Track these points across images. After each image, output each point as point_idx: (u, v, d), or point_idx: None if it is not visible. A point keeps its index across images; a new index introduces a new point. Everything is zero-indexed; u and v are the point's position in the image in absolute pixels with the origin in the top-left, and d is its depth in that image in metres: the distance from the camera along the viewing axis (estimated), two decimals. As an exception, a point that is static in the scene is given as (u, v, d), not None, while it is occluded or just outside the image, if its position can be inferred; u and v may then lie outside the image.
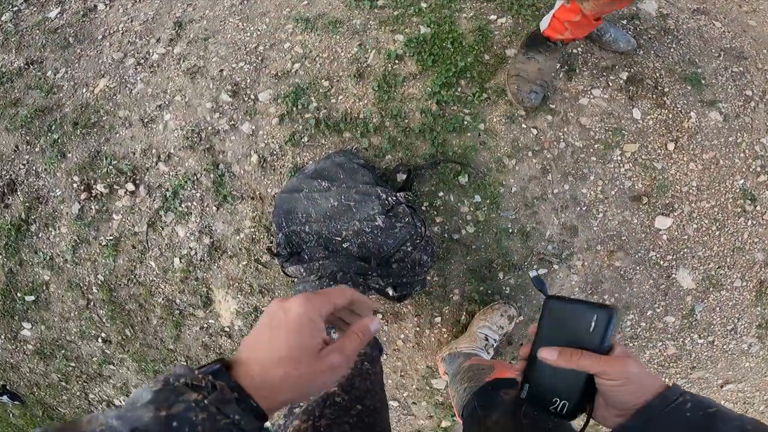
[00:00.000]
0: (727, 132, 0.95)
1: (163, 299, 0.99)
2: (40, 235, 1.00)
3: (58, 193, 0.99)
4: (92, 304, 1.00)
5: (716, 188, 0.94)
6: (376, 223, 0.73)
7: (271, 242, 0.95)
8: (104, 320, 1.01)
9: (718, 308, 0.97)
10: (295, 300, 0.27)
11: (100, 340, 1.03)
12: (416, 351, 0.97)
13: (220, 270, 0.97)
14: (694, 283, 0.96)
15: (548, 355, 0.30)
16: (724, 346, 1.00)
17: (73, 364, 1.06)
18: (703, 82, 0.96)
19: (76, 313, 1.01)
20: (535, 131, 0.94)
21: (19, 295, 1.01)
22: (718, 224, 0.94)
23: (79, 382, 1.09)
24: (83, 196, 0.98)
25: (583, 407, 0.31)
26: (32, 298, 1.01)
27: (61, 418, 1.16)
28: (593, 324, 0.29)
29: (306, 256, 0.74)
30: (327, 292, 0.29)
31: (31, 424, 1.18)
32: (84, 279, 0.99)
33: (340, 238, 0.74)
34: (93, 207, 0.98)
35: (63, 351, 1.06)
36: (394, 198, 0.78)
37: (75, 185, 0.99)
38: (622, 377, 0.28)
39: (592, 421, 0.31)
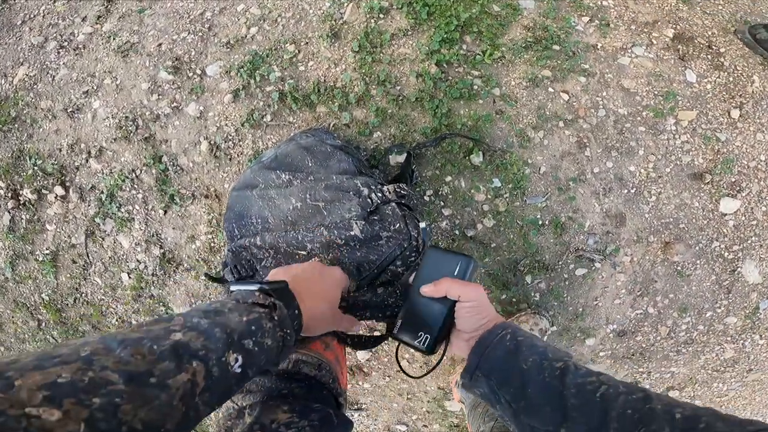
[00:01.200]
0: None
1: (117, 320, 0.79)
2: (-25, 258, 0.79)
3: (-14, 204, 0.76)
4: (43, 324, 0.82)
5: None
6: (352, 233, 0.42)
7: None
8: (59, 342, 0.85)
9: (786, 304, 0.69)
10: (332, 268, 0.37)
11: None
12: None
13: (178, 286, 0.72)
14: (761, 276, 0.67)
15: (427, 289, 0.35)
16: (787, 347, 0.73)
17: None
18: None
19: (30, 334, 0.84)
20: (566, 96, 0.63)
21: (-32, 315, 0.83)
22: (790, 203, 0.65)
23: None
24: (11, 204, 0.76)
25: (441, 340, 0.35)
26: None
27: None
28: (458, 267, 0.35)
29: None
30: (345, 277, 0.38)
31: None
32: (29, 298, 0.80)
33: (304, 253, 0.42)
34: (23, 216, 0.76)
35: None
36: (380, 194, 0.46)
37: (1, 191, 0.76)
38: (476, 298, 0.34)
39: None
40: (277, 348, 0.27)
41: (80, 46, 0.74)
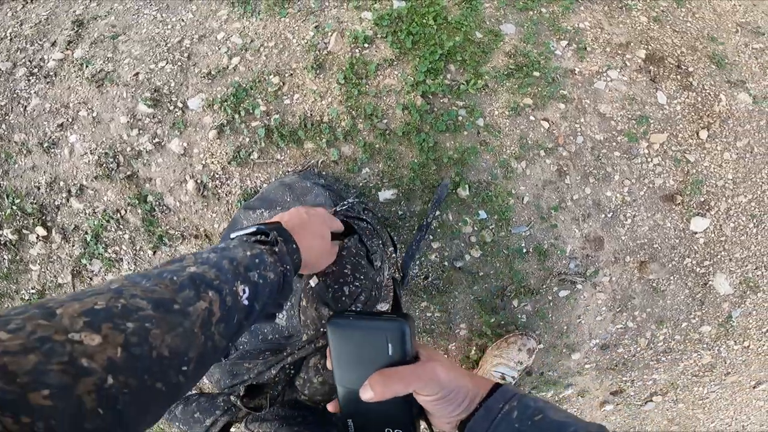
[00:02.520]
0: (758, 115, 0.77)
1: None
2: (-42, 289, 0.83)
3: (-36, 242, 0.80)
4: None
5: (752, 179, 0.76)
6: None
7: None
8: None
9: (754, 312, 0.82)
10: (316, 209, 0.40)
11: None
12: None
13: None
14: (732, 288, 0.79)
15: (367, 396, 0.26)
16: (758, 349, 0.86)
17: None
18: (726, 60, 0.77)
19: None
20: (546, 124, 0.72)
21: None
22: (755, 220, 0.77)
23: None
24: None
25: (417, 425, 0.28)
26: None
27: None
28: (389, 344, 0.26)
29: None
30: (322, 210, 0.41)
31: None
32: None
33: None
34: (5, 257, 0.80)
35: None
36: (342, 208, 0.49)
37: None
38: (437, 388, 0.26)
39: None
40: (278, 283, 0.29)
41: (51, 73, 0.78)
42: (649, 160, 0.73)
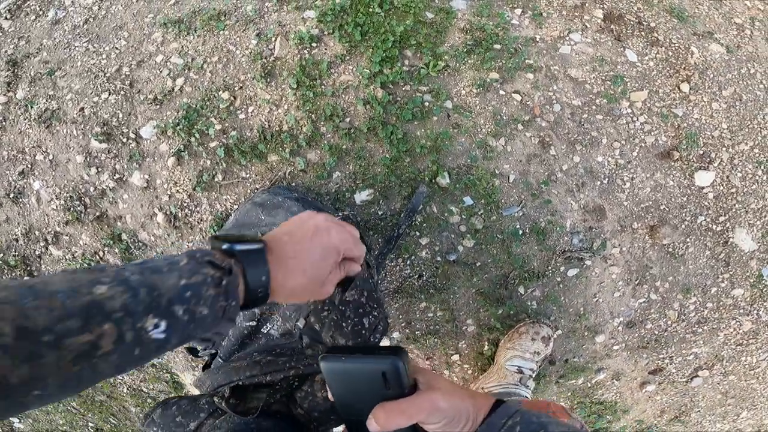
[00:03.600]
0: (736, 64, 0.79)
1: (128, 389, 0.89)
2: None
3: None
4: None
5: (749, 126, 0.77)
6: None
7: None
8: (83, 411, 0.94)
9: (787, 263, 0.80)
10: (336, 226, 0.34)
11: (90, 428, 0.97)
12: None
13: (175, 354, 0.82)
14: (755, 242, 0.78)
15: (373, 429, 0.29)
16: (802, 305, 0.83)
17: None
18: (686, 13, 0.80)
19: (53, 407, 0.95)
20: (518, 97, 0.73)
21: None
22: (763, 167, 0.77)
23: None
24: None
25: None
26: None
27: None
28: (385, 381, 0.28)
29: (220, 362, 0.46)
30: (350, 229, 0.36)
31: None
32: None
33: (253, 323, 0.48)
34: None
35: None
36: None
37: None
38: (439, 416, 0.28)
39: None
40: (213, 319, 0.26)
41: (0, 118, 0.80)
42: (635, 119, 0.74)
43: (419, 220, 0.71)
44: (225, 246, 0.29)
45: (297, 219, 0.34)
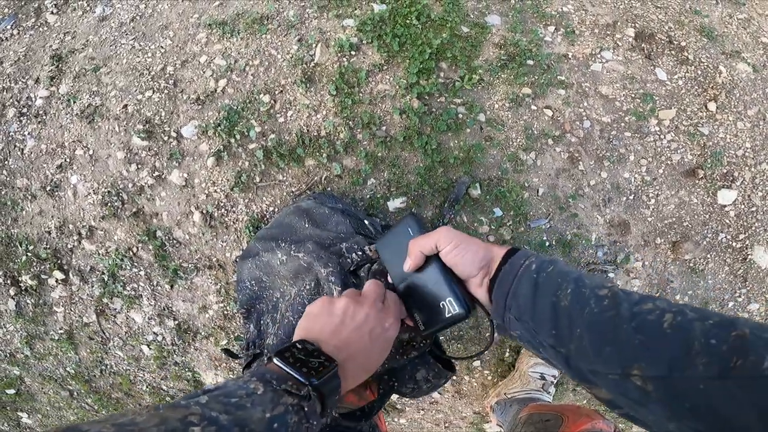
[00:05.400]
0: (762, 83, 0.84)
1: (147, 387, 0.93)
2: (-10, 332, 0.93)
3: (-13, 290, 0.91)
4: (76, 394, 0.96)
5: None
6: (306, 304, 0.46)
7: (242, 335, 0.73)
8: (96, 408, 0.97)
9: (804, 282, 0.85)
10: (390, 315, 0.38)
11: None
12: (457, 399, 0.89)
13: (199, 352, 0.85)
14: (774, 258, 0.82)
15: (407, 266, 0.38)
16: (817, 324, 0.88)
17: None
18: (715, 32, 0.85)
19: (65, 402, 0.98)
20: (549, 112, 0.78)
21: None
22: (785, 184, 0.81)
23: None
24: (12, 291, 0.88)
25: (465, 295, 0.37)
26: (13, 391, 0.99)
27: None
28: (409, 230, 0.39)
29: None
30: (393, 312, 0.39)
31: None
32: (54, 372, 0.94)
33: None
34: (29, 302, 0.88)
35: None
36: (360, 253, 0.51)
37: (0, 280, 0.88)
38: (450, 235, 0.36)
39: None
40: None
41: (41, 112, 0.86)
42: (662, 137, 0.79)
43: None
44: (305, 381, 0.30)
45: (336, 312, 0.35)
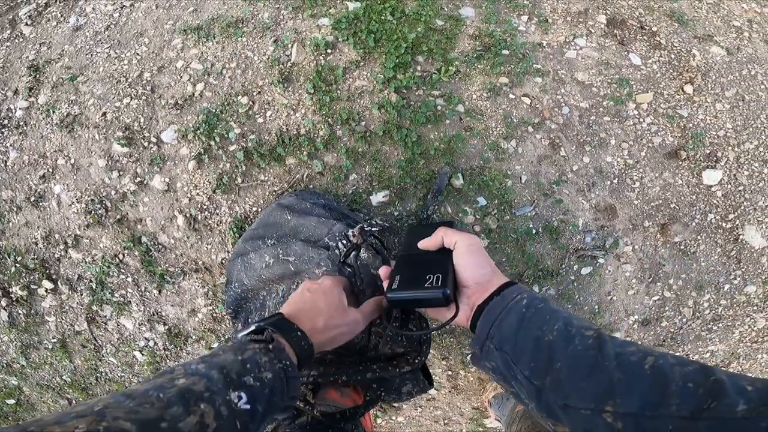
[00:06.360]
0: (737, 66, 0.86)
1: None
2: (-15, 343, 0.95)
3: (-20, 301, 0.92)
4: (74, 401, 0.98)
5: (753, 126, 0.83)
6: None
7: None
8: None
9: (798, 260, 0.84)
10: (324, 277, 0.45)
11: None
12: (455, 395, 0.89)
13: (192, 356, 0.87)
14: (765, 239, 0.82)
15: (425, 243, 0.43)
16: (816, 303, 0.88)
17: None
18: (685, 17, 0.87)
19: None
20: (527, 100, 0.79)
21: None
22: (769, 162, 0.82)
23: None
24: (4, 302, 0.89)
25: (452, 288, 0.38)
26: (13, 401, 1.00)
27: None
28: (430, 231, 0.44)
29: None
30: (339, 278, 0.47)
31: None
32: (51, 381, 0.96)
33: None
34: (20, 312, 0.90)
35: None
36: (344, 241, 0.53)
37: None
38: (474, 241, 0.40)
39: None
40: (280, 380, 0.32)
41: (21, 123, 0.87)
42: (641, 120, 0.80)
43: (434, 220, 0.75)
44: (254, 326, 0.36)
45: (294, 295, 0.43)
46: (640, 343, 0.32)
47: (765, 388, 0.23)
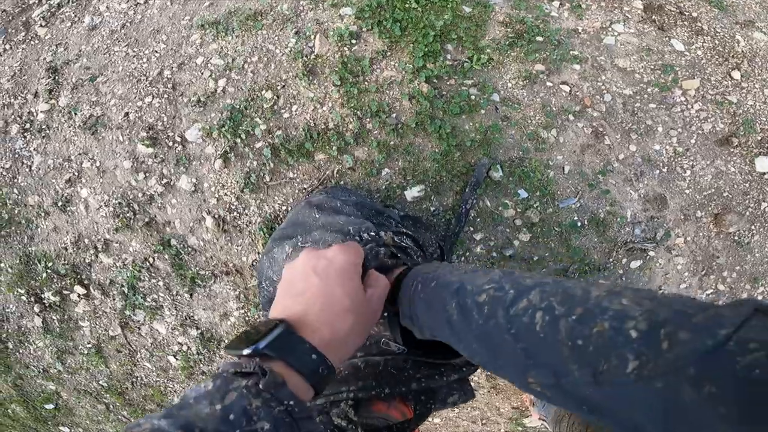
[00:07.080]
0: None
1: (178, 398, 0.87)
2: (21, 351, 0.97)
3: (13, 309, 0.94)
4: (111, 407, 0.99)
5: None
6: None
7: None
8: (133, 420, 1.00)
9: None
10: (334, 249, 0.33)
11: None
12: (493, 395, 0.87)
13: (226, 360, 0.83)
14: (824, 226, 0.78)
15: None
16: None
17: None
18: (724, 2, 0.84)
19: (103, 416, 1.01)
20: (566, 87, 0.76)
21: (38, 404, 1.02)
22: (826, 145, 0.78)
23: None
24: (37, 308, 0.90)
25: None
26: (51, 406, 1.01)
27: None
28: None
29: None
30: (353, 244, 0.36)
31: None
32: (88, 386, 0.97)
33: None
34: (54, 318, 0.90)
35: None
36: (372, 234, 0.49)
37: (24, 298, 0.90)
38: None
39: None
40: (284, 425, 0.23)
41: (44, 126, 0.86)
42: (689, 106, 0.76)
43: (473, 215, 0.72)
44: (247, 351, 0.26)
45: (288, 276, 0.33)
46: (550, 280, 0.27)
47: (650, 330, 0.19)
